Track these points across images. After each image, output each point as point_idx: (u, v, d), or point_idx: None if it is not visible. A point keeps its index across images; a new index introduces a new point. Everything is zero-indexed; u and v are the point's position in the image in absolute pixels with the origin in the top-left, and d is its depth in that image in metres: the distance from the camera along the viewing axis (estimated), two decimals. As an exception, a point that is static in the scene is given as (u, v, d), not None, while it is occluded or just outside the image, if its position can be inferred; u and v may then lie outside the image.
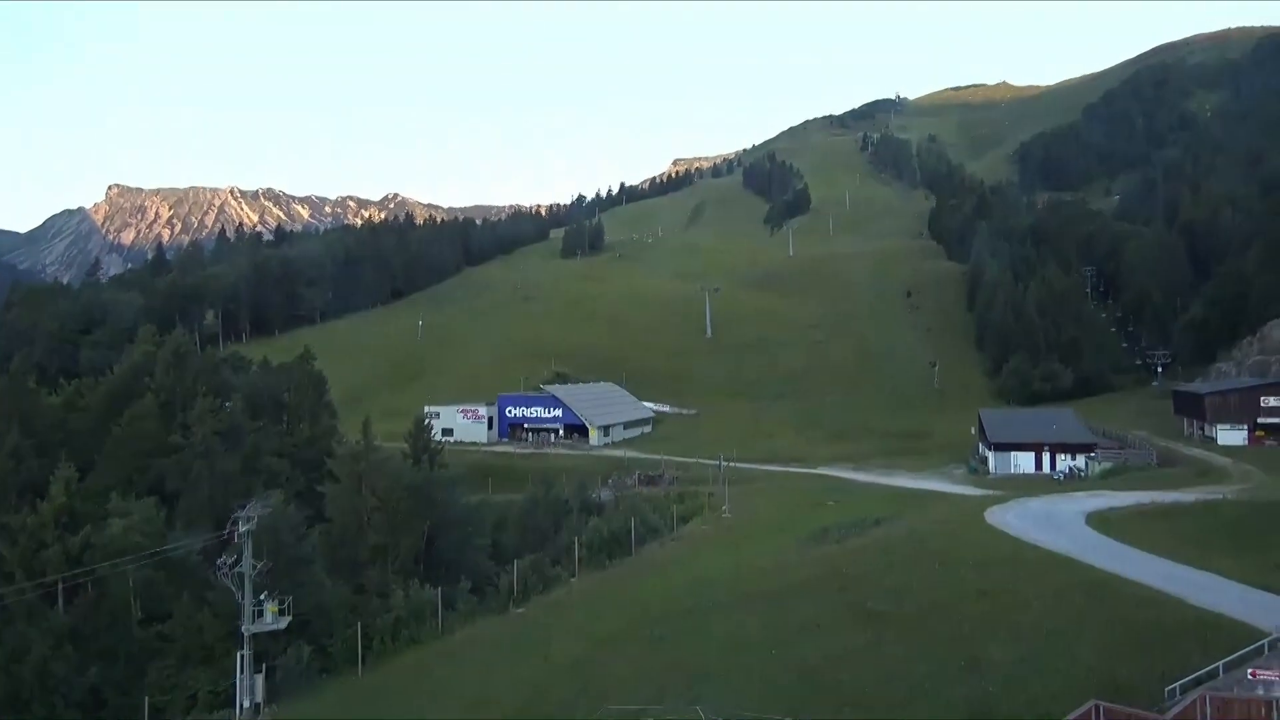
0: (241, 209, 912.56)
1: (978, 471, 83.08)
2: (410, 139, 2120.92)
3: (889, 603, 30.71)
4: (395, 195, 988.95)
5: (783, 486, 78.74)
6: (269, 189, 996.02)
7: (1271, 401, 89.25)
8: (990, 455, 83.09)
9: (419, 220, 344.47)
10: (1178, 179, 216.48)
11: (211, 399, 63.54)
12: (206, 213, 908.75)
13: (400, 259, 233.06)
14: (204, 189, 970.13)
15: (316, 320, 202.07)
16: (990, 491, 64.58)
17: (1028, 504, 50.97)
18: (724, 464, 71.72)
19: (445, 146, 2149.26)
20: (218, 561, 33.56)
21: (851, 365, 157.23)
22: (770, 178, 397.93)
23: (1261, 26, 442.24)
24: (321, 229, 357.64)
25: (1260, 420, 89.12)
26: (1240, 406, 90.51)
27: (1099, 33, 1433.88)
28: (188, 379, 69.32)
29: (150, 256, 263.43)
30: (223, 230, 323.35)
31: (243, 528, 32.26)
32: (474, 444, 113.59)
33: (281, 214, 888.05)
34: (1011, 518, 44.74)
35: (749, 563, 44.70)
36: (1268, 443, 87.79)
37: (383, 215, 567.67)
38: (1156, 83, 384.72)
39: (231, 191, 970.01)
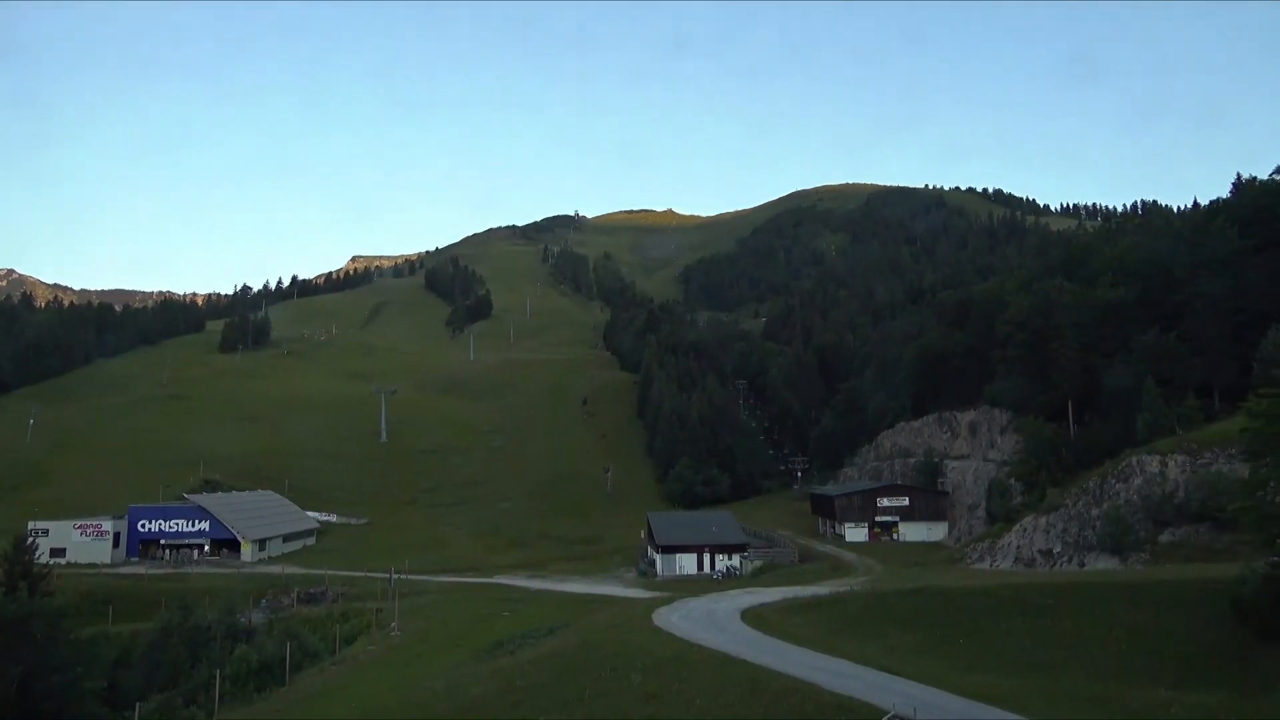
0: None
1: (647, 574, 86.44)
2: (36, 207, 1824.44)
3: (561, 714, 30.11)
4: (10, 272, 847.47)
5: (457, 598, 75.93)
6: None
7: (885, 502, 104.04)
8: (658, 558, 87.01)
9: (40, 302, 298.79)
10: (811, 306, 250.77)
11: None
12: None
13: (9, 346, 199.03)
14: None
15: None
16: (658, 593, 67.09)
17: (690, 604, 53.43)
18: (395, 576, 67.83)
19: (83, 219, 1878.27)
20: None
21: (529, 472, 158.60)
22: (453, 281, 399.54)
23: (871, 184, 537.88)
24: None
25: (877, 519, 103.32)
26: (862, 507, 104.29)
27: (747, 174, 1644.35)
28: None
29: None
30: None
31: None
32: (93, 565, 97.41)
33: None
34: (676, 618, 46.49)
35: (419, 684, 41.81)
36: (883, 538, 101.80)
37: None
38: (794, 223, 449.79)
39: None
